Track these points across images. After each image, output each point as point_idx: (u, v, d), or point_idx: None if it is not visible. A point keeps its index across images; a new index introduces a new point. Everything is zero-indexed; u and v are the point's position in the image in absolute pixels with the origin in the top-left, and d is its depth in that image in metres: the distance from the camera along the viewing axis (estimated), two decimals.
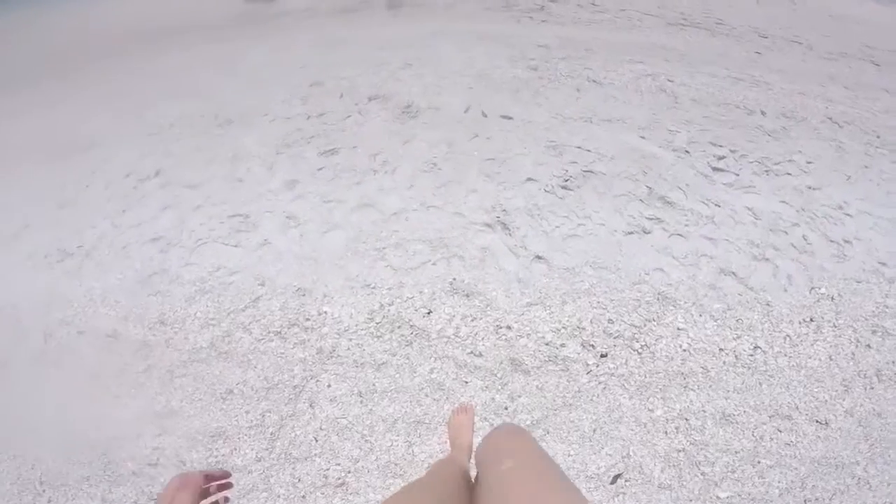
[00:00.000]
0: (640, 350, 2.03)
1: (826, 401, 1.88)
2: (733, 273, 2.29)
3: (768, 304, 2.17)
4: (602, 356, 2.00)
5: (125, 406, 2.02)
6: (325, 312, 2.19)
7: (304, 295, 2.32)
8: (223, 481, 0.78)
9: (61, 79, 4.88)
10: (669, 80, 3.61)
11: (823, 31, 6.22)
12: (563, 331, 2.07)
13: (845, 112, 3.72)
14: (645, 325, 2.08)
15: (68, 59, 5.40)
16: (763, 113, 3.50)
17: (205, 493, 0.73)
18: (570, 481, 0.67)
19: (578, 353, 2.00)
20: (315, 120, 3.23)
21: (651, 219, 2.56)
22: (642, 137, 3.00)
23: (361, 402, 1.90)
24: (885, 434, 1.80)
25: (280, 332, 2.14)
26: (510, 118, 3.07)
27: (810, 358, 2.00)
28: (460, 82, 3.42)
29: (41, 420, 2.05)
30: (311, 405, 1.92)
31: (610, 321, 2.10)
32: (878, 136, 3.20)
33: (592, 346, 2.04)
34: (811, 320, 2.12)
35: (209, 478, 0.75)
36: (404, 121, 3.08)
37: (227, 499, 0.78)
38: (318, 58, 4.05)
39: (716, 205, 2.71)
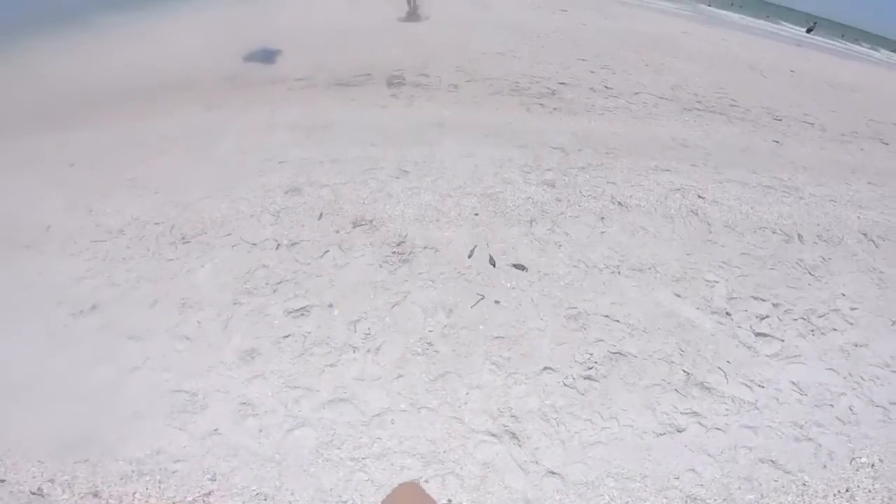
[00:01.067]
0: None
1: None
2: (772, 461, 1.98)
3: (804, 485, 1.94)
4: None
5: None
6: None
7: (266, 500, 1.81)
8: None
9: (16, 149, 4.32)
10: (700, 197, 3.25)
11: (828, 104, 6.12)
12: None
13: (877, 222, 3.51)
14: None
15: (32, 119, 4.84)
16: (801, 238, 3.18)
17: None
18: None
19: None
20: (286, 253, 2.71)
21: (687, 413, 2.14)
22: (678, 295, 2.58)
23: None
24: None
25: None
26: (524, 269, 2.62)
27: None
28: (465, 205, 2.94)
29: None
30: None
31: None
32: None
33: None
34: (846, 490, 1.93)
35: None
36: (395, 266, 2.58)
37: None
38: (302, 150, 3.56)
39: (759, 385, 2.34)
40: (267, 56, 5.56)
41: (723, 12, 23.84)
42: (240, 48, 5.88)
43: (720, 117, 4.73)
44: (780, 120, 5.12)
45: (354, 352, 2.20)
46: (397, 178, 3.15)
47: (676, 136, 4.06)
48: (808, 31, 28.12)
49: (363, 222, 2.83)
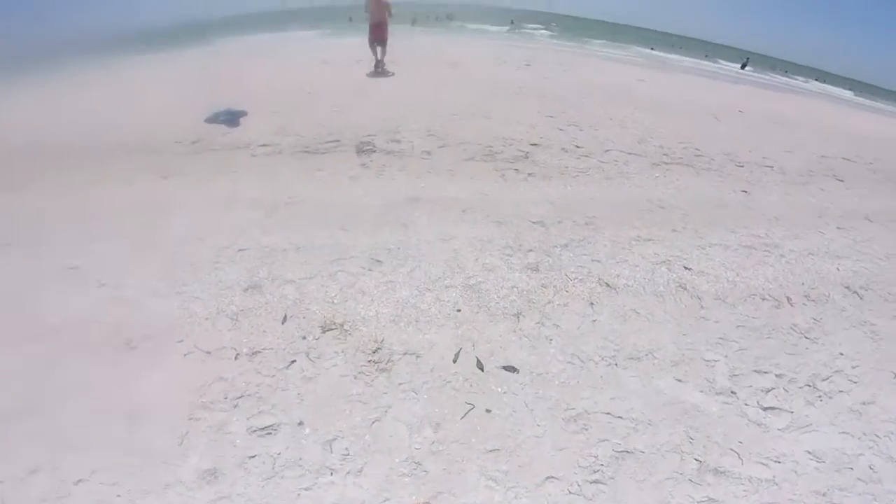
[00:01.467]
0: None
1: None
2: None
3: None
4: None
5: None
6: None
7: None
8: None
9: None
10: (687, 269, 3.16)
11: (780, 144, 6.41)
12: None
13: (857, 272, 3.56)
14: None
15: None
16: (790, 301, 3.13)
17: None
18: None
19: None
20: (246, 363, 2.39)
21: (704, 501, 1.95)
22: (679, 381, 2.41)
23: None
24: None
25: None
26: (514, 370, 2.40)
27: None
28: (446, 300, 2.71)
29: None
30: None
31: None
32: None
33: None
34: None
35: None
36: (372, 377, 2.30)
37: None
38: (264, 234, 3.27)
39: (775, 461, 2.20)
40: (231, 118, 5.34)
41: (667, 55, 25.73)
42: (205, 107, 5.65)
43: (688, 170, 4.80)
44: (743, 166, 5.28)
45: (332, 474, 1.88)
46: (370, 269, 2.90)
47: (651, 196, 4.05)
48: (743, 66, 30.68)
49: (333, 326, 2.55)
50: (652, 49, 30.97)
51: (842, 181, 5.51)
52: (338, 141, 4.66)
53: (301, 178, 4.05)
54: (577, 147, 4.64)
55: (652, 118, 5.99)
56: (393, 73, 7.79)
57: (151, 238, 3.37)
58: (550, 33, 29.48)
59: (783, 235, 3.83)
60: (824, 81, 41.02)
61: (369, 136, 4.68)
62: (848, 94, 32.71)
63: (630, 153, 4.75)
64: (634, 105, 6.44)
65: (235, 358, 2.39)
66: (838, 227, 4.24)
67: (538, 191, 3.89)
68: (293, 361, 2.37)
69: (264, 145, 4.73)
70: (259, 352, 2.42)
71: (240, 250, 3.14)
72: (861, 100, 28.31)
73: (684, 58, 26.56)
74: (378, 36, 7.83)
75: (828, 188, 5.18)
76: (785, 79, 30.92)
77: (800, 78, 35.14)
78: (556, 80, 7.42)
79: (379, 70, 7.83)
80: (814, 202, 4.71)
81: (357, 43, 8.68)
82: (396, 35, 17.38)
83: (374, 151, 4.43)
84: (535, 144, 4.55)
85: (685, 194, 4.24)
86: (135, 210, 3.76)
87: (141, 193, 4.06)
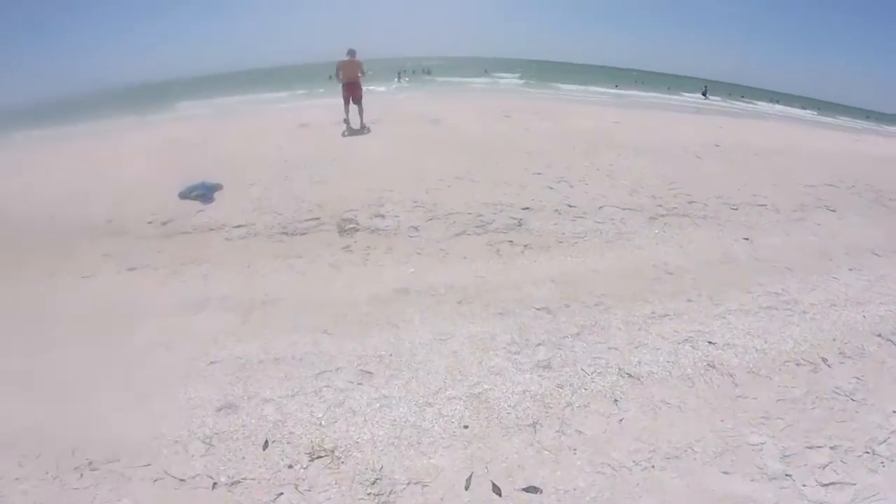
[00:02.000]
0: None
1: None
2: None
3: None
4: None
5: None
6: None
7: None
8: None
9: None
10: (711, 343, 2.87)
11: (765, 178, 6.36)
12: None
13: (883, 317, 3.34)
14: None
15: None
16: (826, 362, 2.86)
17: None
18: None
19: None
20: (226, 495, 1.99)
21: None
22: (726, 473, 2.09)
23: None
24: None
25: None
26: (537, 491, 2.02)
27: None
28: (449, 415, 2.33)
29: None
30: None
31: None
32: None
33: None
34: None
35: None
36: None
37: None
38: (238, 342, 2.89)
39: None
40: (205, 193, 5.03)
41: (632, 92, 26.91)
42: (178, 180, 5.34)
43: (685, 221, 4.65)
44: (737, 209, 5.16)
45: None
46: (359, 383, 2.52)
47: (657, 259, 3.82)
48: (703, 94, 32.25)
49: (323, 453, 2.16)
50: (616, 87, 32.48)
51: (834, 211, 5.42)
52: (318, 219, 4.38)
53: (279, 269, 3.73)
54: (571, 207, 4.45)
55: (637, 164, 5.92)
56: (369, 130, 7.73)
57: (114, 344, 2.99)
58: (521, 80, 30.71)
59: (799, 288, 3.62)
60: (778, 102, 43.40)
61: (351, 210, 4.42)
62: (808, 113, 34.45)
63: (625, 208, 4.58)
64: (617, 151, 6.39)
65: (213, 487, 2.00)
66: (850, 269, 4.07)
67: (537, 266, 3.62)
68: (280, 494, 1.97)
69: (239, 226, 4.41)
70: (239, 482, 2.02)
71: (211, 362, 2.77)
72: (823, 118, 29.89)
73: (648, 93, 27.80)
74: (352, 95, 7.85)
75: (824, 222, 5.07)
76: (743, 104, 32.51)
77: (758, 102, 37.01)
78: (536, 131, 7.40)
79: (356, 129, 7.78)
80: (816, 241, 4.56)
81: (335, 104, 8.59)
82: (377, 92, 17.91)
83: (358, 230, 4.15)
84: (527, 208, 4.35)
85: (690, 252, 4.04)
86: (96, 309, 3.39)
87: (104, 289, 3.67)
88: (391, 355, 2.70)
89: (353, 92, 7.83)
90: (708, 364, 2.71)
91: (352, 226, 4.21)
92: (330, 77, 8.11)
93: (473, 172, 5.13)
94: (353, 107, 7.85)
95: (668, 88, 35.91)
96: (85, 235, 4.55)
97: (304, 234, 4.22)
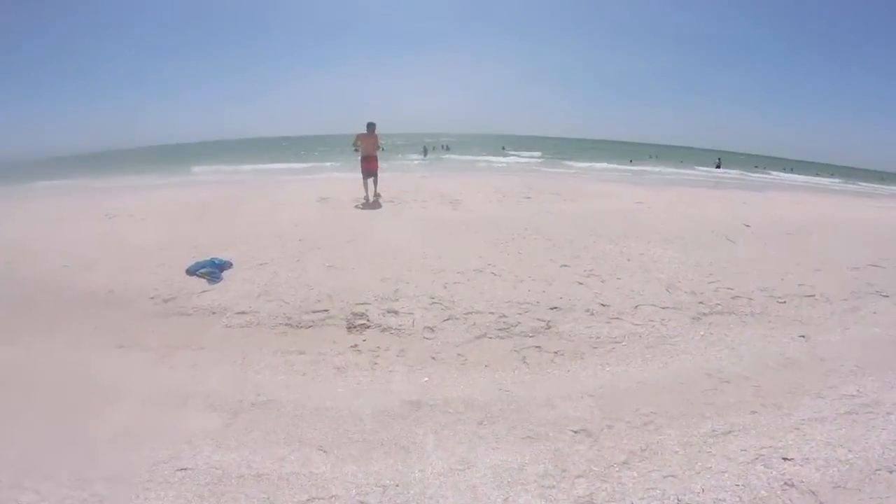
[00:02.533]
0: None
1: None
2: None
3: None
4: None
5: None
6: None
7: None
8: None
9: None
10: (787, 460, 2.35)
11: (806, 263, 5.87)
12: None
13: None
14: None
15: None
16: None
17: None
18: None
19: None
20: None
21: None
22: None
23: None
24: None
25: None
26: None
27: None
28: None
29: None
30: None
31: None
32: None
33: None
34: None
35: None
36: None
37: None
38: (216, 448, 2.43)
39: None
40: (214, 271, 4.81)
41: (647, 168, 27.33)
42: (189, 253, 5.20)
43: (732, 319, 4.17)
44: (785, 302, 4.69)
45: None
46: None
47: (708, 366, 3.31)
48: (717, 166, 32.57)
49: None
50: (631, 162, 33.24)
51: (887, 297, 4.88)
52: (326, 311, 4.05)
53: (276, 366, 3.34)
54: (604, 306, 4.03)
55: (669, 253, 5.56)
56: (381, 205, 7.84)
57: (77, 428, 2.62)
58: (539, 158, 31.69)
59: (877, 388, 3.09)
60: (792, 170, 43.55)
61: (363, 304, 4.10)
62: (828, 181, 34.24)
63: (664, 307, 4.14)
64: (646, 238, 6.08)
65: None
66: None
67: (571, 377, 3.14)
68: None
69: (242, 313, 4.11)
70: None
71: (181, 469, 2.30)
72: (841, 185, 29.64)
73: (663, 168, 28.19)
74: (369, 168, 8.12)
75: (880, 310, 4.55)
76: (759, 175, 32.63)
77: (773, 172, 37.15)
78: (558, 214, 7.21)
79: (374, 205, 7.88)
80: (879, 333, 4.05)
81: (356, 177, 8.81)
82: (398, 166, 18.52)
83: (368, 327, 3.78)
84: (555, 308, 3.94)
85: (743, 356, 3.54)
86: (71, 385, 3.07)
87: (86, 364, 3.37)
88: (397, 486, 2.19)
89: (370, 165, 8.12)
90: (785, 483, 2.19)
91: (362, 321, 3.85)
92: (356, 149, 8.38)
93: (495, 264, 4.83)
94: (370, 179, 8.13)
95: (682, 162, 36.57)
96: (83, 303, 4.40)
97: (310, 326, 3.88)
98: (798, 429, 2.62)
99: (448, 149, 36.48)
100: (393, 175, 12.92)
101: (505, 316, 3.80)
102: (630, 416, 2.73)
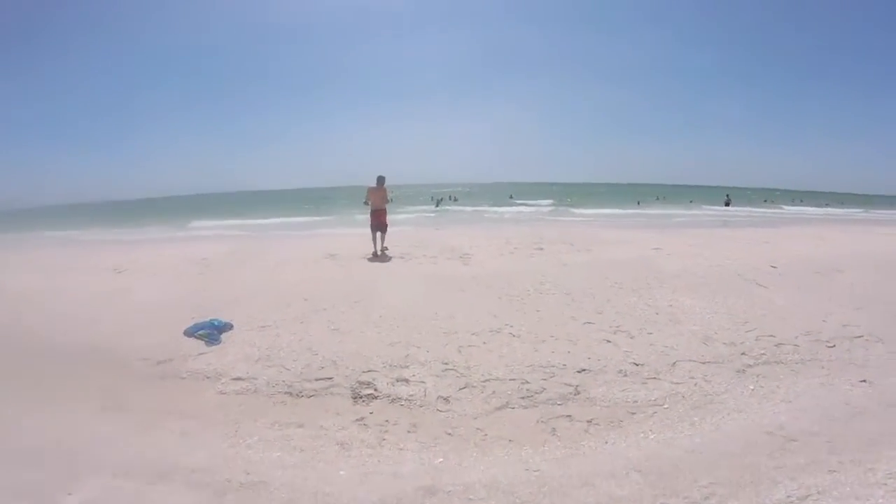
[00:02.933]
0: None
1: None
2: None
3: None
4: None
5: None
6: None
7: None
8: None
9: None
10: None
11: (845, 302, 5.37)
12: None
13: None
14: None
15: None
16: None
17: None
18: None
19: None
20: None
21: None
22: None
23: None
24: None
25: None
26: None
27: None
28: None
29: None
30: None
31: None
32: None
33: None
34: None
35: None
36: None
37: None
38: None
39: None
40: (212, 333, 4.58)
41: (656, 211, 27.18)
42: (189, 312, 5.00)
43: (780, 368, 3.78)
44: (834, 346, 4.34)
45: None
46: None
47: (768, 425, 2.91)
48: (727, 204, 32.29)
49: None
50: (638, 204, 33.26)
51: None
52: (330, 379, 3.72)
53: (272, 441, 2.99)
54: (637, 365, 3.64)
55: (698, 302, 5.22)
56: (391, 258, 7.87)
57: (44, 500, 2.31)
58: (547, 207, 31.88)
59: None
60: (801, 201, 43.03)
61: (370, 371, 3.76)
62: (837, 211, 33.69)
63: (703, 361, 3.75)
64: (670, 286, 5.75)
65: None
66: None
67: (611, 450, 2.72)
68: None
69: (239, 378, 3.81)
70: None
71: None
72: (863, 215, 29.04)
73: (672, 210, 27.99)
74: (378, 222, 8.18)
75: None
76: (769, 209, 32.26)
77: (784, 207, 36.84)
78: (574, 266, 6.94)
79: (383, 259, 7.88)
80: None
81: (365, 232, 8.76)
82: (407, 219, 18.55)
83: (376, 397, 3.43)
84: (583, 370, 3.57)
85: (804, 408, 3.15)
86: (46, 447, 2.82)
87: (68, 425, 3.13)
88: None
89: (379, 218, 8.20)
90: None
91: (369, 391, 3.51)
92: (366, 203, 8.56)
93: (512, 323, 4.51)
94: (379, 233, 8.13)
95: (691, 201, 36.50)
96: (76, 361, 4.21)
97: (312, 396, 3.55)
98: (885, 484, 2.26)
99: (456, 200, 37.04)
100: (400, 229, 12.90)
101: (528, 382, 3.42)
102: (687, 491, 2.30)
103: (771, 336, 4.39)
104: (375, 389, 3.52)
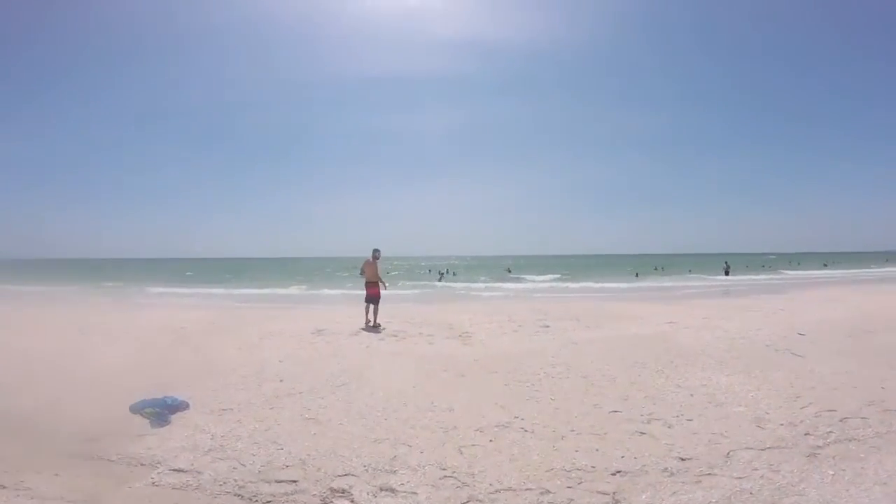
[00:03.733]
0: None
1: None
2: None
3: None
4: None
5: None
6: None
7: None
8: None
9: None
10: None
11: (890, 362, 4.90)
12: None
13: None
14: None
15: None
16: None
17: None
18: None
19: None
20: None
21: None
22: None
23: None
24: None
25: None
26: None
27: None
28: None
29: None
30: None
31: None
32: None
33: None
34: None
35: None
36: None
37: None
38: None
39: None
40: (161, 412, 3.94)
41: (657, 283, 26.66)
42: (143, 385, 4.36)
43: (856, 447, 3.30)
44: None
45: None
46: None
47: None
48: (726, 272, 32.15)
49: None
50: (637, 275, 33.08)
51: None
52: (294, 483, 2.89)
53: None
54: (684, 460, 2.91)
55: (736, 379, 4.64)
56: (384, 328, 7.86)
57: None
58: (547, 281, 31.65)
59: None
60: (799, 264, 43.13)
61: (347, 475, 2.96)
62: (836, 273, 33.77)
63: (763, 448, 3.08)
64: (698, 364, 5.20)
65: None
66: None
67: None
68: None
69: (179, 470, 3.01)
70: None
71: None
72: (866, 273, 28.88)
73: (673, 282, 27.54)
74: (372, 294, 8.38)
75: None
76: (770, 276, 32.18)
77: (783, 271, 37.13)
78: (585, 344, 6.38)
79: (372, 327, 7.95)
80: None
81: (358, 312, 8.60)
82: (405, 294, 18.03)
83: None
84: (618, 472, 2.82)
85: None
86: None
87: None
88: None
89: (372, 291, 8.42)
90: None
91: (343, 502, 2.70)
92: (361, 274, 8.88)
93: (523, 416, 3.79)
94: (371, 305, 8.32)
95: (690, 271, 36.48)
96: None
97: (268, 503, 2.72)
98: None
99: (455, 274, 36.86)
100: (396, 302, 12.39)
101: (549, 492, 2.64)
102: None
103: (831, 411, 3.77)
104: (352, 501, 2.70)
